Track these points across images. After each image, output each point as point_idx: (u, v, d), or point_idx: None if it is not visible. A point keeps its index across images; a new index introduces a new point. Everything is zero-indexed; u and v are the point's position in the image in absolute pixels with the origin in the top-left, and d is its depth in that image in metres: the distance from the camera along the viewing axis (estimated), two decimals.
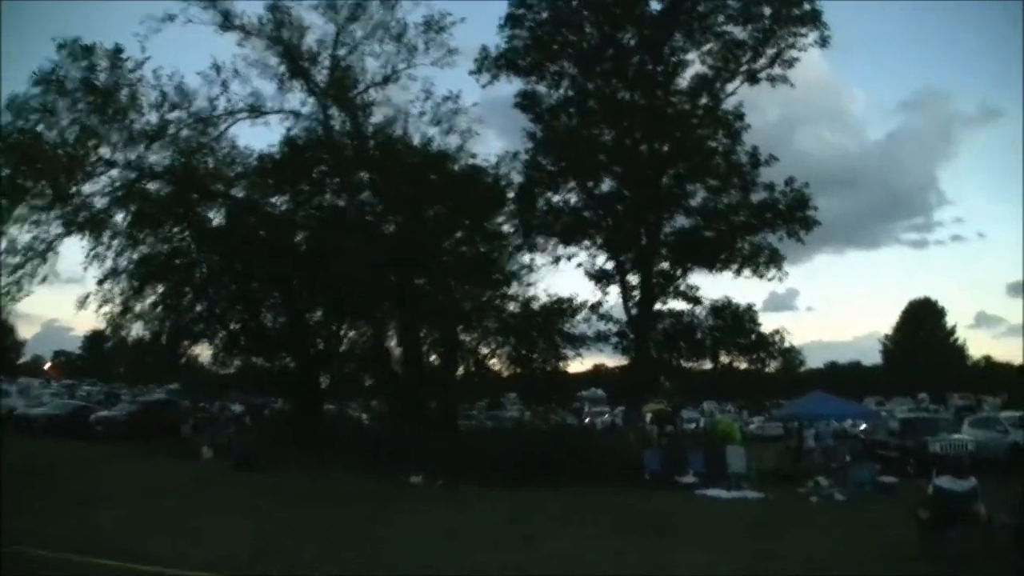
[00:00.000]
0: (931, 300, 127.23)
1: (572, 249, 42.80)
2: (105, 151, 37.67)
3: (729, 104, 41.66)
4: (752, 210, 40.73)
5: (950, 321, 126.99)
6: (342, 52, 41.06)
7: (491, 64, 41.87)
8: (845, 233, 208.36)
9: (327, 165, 42.20)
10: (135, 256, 41.15)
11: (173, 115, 38.81)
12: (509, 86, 43.75)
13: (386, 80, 41.52)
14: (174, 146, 39.63)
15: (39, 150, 35.78)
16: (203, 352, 49.19)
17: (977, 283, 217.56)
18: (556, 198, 43.22)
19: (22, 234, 36.99)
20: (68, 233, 38.05)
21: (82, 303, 40.97)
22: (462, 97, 41.91)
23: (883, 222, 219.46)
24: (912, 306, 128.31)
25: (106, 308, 41.07)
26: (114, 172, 38.44)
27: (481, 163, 42.62)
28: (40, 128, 36.52)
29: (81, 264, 40.43)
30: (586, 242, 42.71)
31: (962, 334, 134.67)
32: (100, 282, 40.67)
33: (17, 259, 36.91)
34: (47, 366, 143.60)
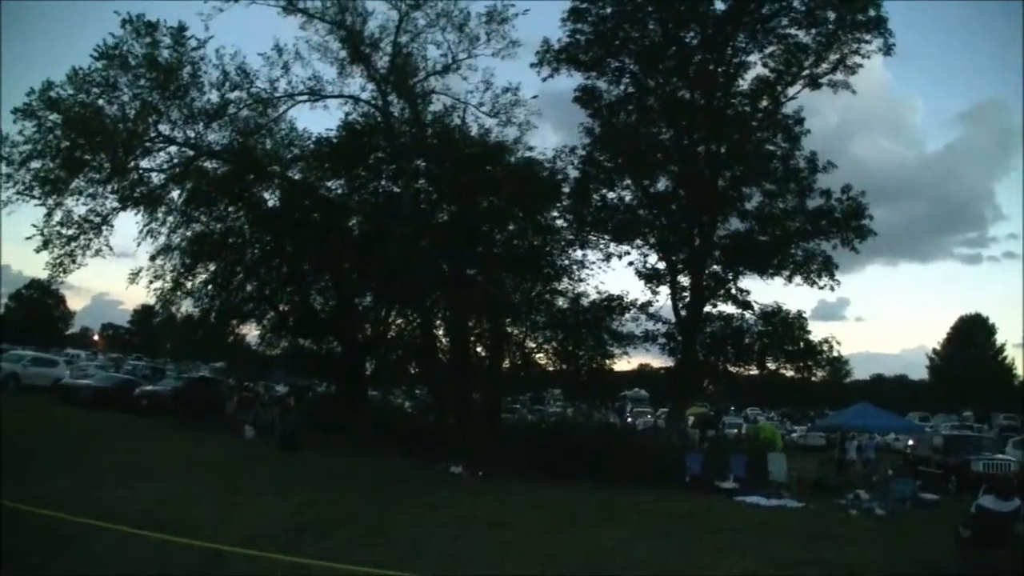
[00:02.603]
0: (981, 316, 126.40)
1: (624, 247, 43.82)
2: (164, 128, 39.01)
3: (789, 108, 42.56)
4: (808, 216, 41.58)
5: (1000, 339, 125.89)
6: (404, 39, 42.16)
7: (552, 58, 42.95)
8: (899, 244, 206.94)
9: (384, 151, 43.48)
10: (188, 233, 42.91)
11: (233, 95, 40.23)
12: (569, 80, 44.67)
13: (446, 69, 42.60)
14: (233, 126, 41.16)
15: (99, 124, 37.06)
16: (251, 332, 50.79)
17: None
18: (611, 195, 44.43)
19: (78, 206, 38.37)
20: (123, 207, 39.54)
21: (134, 278, 42.73)
22: (521, 89, 42.80)
23: (937, 235, 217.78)
24: (962, 321, 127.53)
25: (157, 284, 42.90)
26: (172, 149, 39.98)
27: (538, 156, 43.39)
28: (101, 102, 37.87)
29: (134, 239, 42.11)
30: (638, 241, 43.74)
31: (1011, 353, 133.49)
32: (152, 258, 42.52)
33: (72, 231, 38.35)
34: (95, 338, 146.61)
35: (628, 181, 43.85)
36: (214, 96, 39.87)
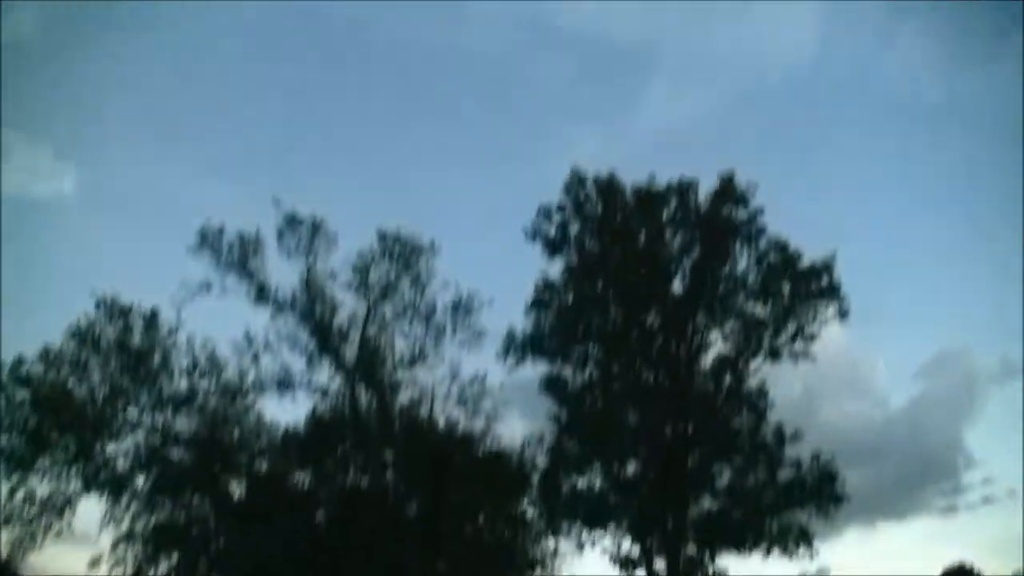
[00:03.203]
0: (966, 567, 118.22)
1: (597, 534, 42.55)
2: (133, 412, 40.26)
3: (753, 382, 42.77)
4: (779, 489, 40.89)
5: None
6: (372, 331, 43.90)
7: (517, 348, 44.09)
8: (874, 504, 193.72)
9: (352, 443, 43.81)
10: (152, 522, 42.38)
11: (203, 383, 41.76)
12: (535, 368, 45.46)
13: (414, 360, 43.85)
14: (201, 414, 42.08)
15: (68, 404, 38.43)
16: None
17: (1012, 542, 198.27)
18: (581, 482, 43.64)
19: (41, 486, 38.94)
20: (87, 491, 39.80)
21: (94, 563, 41.89)
22: (488, 378, 43.70)
23: (911, 490, 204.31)
24: (947, 574, 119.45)
25: (118, 571, 41.88)
26: (139, 434, 40.74)
27: (506, 445, 43.63)
28: (71, 382, 39.41)
29: (96, 523, 41.86)
30: (611, 526, 42.69)
31: None
32: (114, 545, 41.90)
33: (34, 511, 38.66)
34: None
35: (597, 466, 43.46)
36: (183, 383, 41.57)
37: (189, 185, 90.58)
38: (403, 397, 44.78)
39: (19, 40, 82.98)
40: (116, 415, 39.76)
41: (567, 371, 44.43)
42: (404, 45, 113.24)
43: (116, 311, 40.26)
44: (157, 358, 40.76)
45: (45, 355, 39.32)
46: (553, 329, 44.15)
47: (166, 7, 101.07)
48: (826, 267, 42.40)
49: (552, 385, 44.21)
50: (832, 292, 42.13)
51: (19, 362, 39.00)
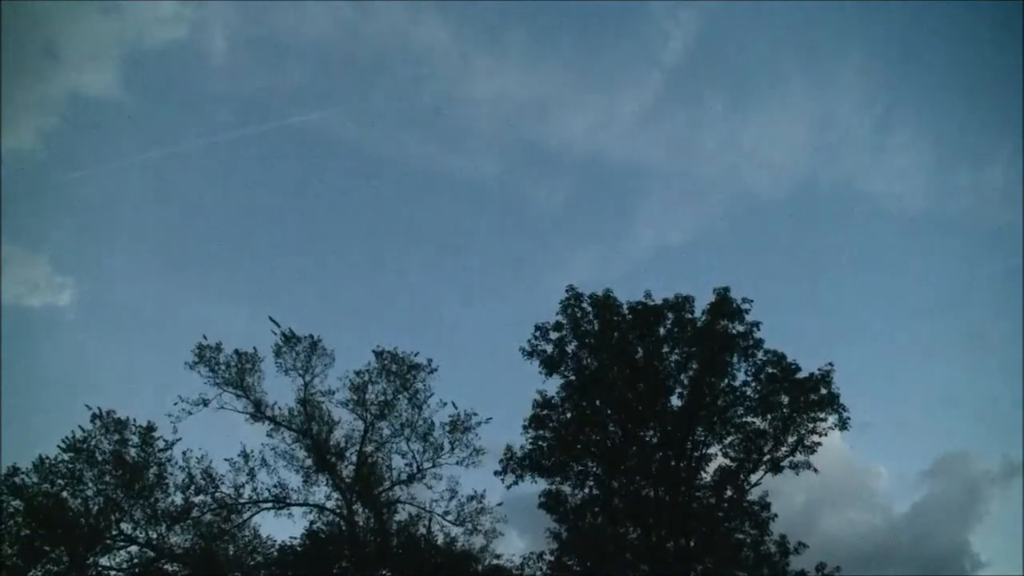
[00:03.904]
0: None
1: None
2: (127, 526, 39.93)
3: (754, 494, 43.08)
4: None
5: None
6: (369, 448, 44.30)
7: (516, 465, 44.30)
8: None
9: (348, 561, 43.26)
10: None
11: (198, 499, 41.63)
12: (534, 485, 45.43)
13: (411, 478, 44.16)
14: (196, 530, 41.68)
15: (62, 516, 38.26)
16: None
17: None
18: None
19: None
20: None
21: None
22: (487, 496, 43.92)
23: None
24: None
25: None
26: (133, 549, 40.27)
27: (505, 563, 43.26)
28: (65, 494, 39.33)
29: None
30: None
31: None
32: None
33: None
34: None
35: None
36: (179, 498, 41.30)
37: (187, 301, 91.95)
38: (401, 515, 44.88)
39: (19, 152, 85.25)
40: (110, 528, 39.35)
41: (566, 488, 44.53)
42: (402, 169, 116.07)
43: (112, 424, 40.41)
44: (152, 472, 40.62)
45: (40, 466, 39.19)
46: (552, 446, 44.36)
47: (165, 124, 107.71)
48: (824, 378, 42.99)
49: (551, 502, 44.15)
50: (831, 402, 42.61)
51: (13, 472, 38.98)
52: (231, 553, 43.74)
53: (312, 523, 44.16)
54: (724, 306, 44.29)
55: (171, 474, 41.19)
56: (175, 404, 41.84)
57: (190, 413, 41.87)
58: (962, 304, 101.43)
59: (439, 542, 43.53)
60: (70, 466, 39.50)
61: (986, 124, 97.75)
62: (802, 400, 42.75)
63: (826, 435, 43.07)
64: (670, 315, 44.90)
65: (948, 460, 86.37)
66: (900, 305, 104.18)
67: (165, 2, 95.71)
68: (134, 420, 41.10)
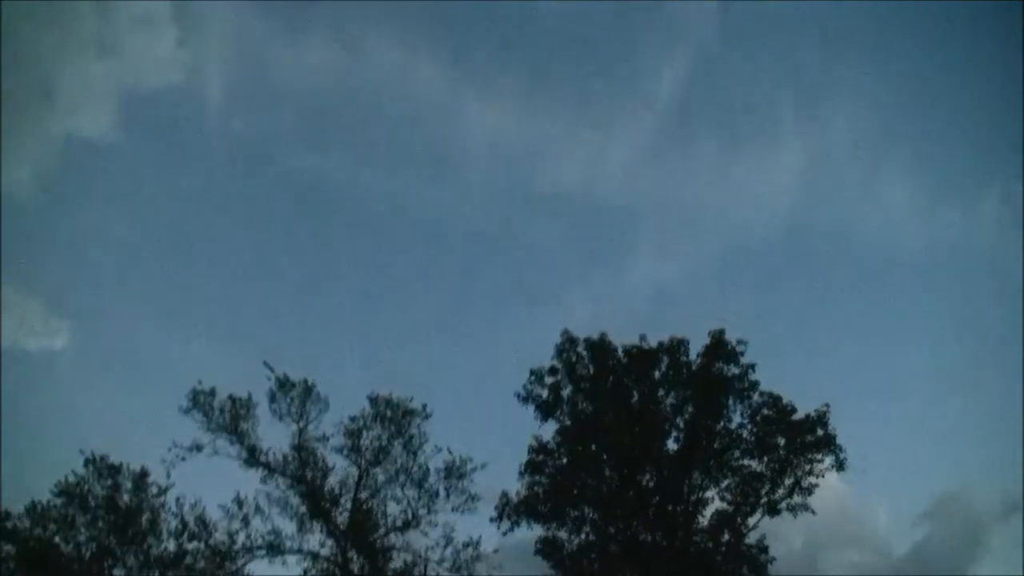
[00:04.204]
0: None
1: None
2: (119, 573, 39.81)
3: (752, 538, 42.76)
4: None
5: None
6: (364, 495, 43.93)
7: (512, 511, 43.99)
8: None
9: None
10: None
11: (191, 545, 41.43)
12: (530, 531, 45.19)
13: (406, 525, 43.78)
14: None
15: (54, 561, 38.15)
16: None
17: None
18: None
19: None
20: None
21: None
22: (483, 543, 43.49)
23: None
24: None
25: None
26: None
27: None
28: (57, 539, 39.20)
29: None
30: None
31: None
32: None
33: None
34: None
35: None
36: (172, 545, 41.23)
37: (182, 344, 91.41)
38: (396, 562, 44.39)
39: (15, 195, 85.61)
40: (103, 574, 39.34)
41: (563, 533, 44.12)
42: (395, 212, 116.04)
43: (105, 469, 40.51)
44: (146, 518, 40.66)
45: (32, 510, 39.28)
46: (548, 491, 44.10)
47: (161, 167, 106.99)
48: (820, 419, 42.95)
49: (548, 548, 43.79)
50: (827, 444, 42.47)
51: (5, 516, 38.90)
52: None
53: (306, 571, 43.82)
54: (719, 348, 44.32)
55: (164, 520, 41.34)
56: (169, 449, 41.83)
57: (184, 458, 41.82)
58: (958, 340, 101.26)
59: None
60: (63, 511, 39.60)
61: (977, 160, 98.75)
62: (799, 442, 42.71)
63: (823, 476, 42.84)
64: (665, 358, 44.89)
65: (947, 499, 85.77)
66: (895, 342, 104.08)
67: (161, 45, 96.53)
68: (127, 465, 41.24)
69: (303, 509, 43.29)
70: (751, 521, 42.96)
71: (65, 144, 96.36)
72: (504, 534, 44.35)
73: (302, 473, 43.37)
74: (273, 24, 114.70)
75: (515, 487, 44.95)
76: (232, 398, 43.39)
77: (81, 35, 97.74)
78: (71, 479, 40.03)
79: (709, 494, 43.64)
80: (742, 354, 44.37)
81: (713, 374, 44.15)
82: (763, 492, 42.83)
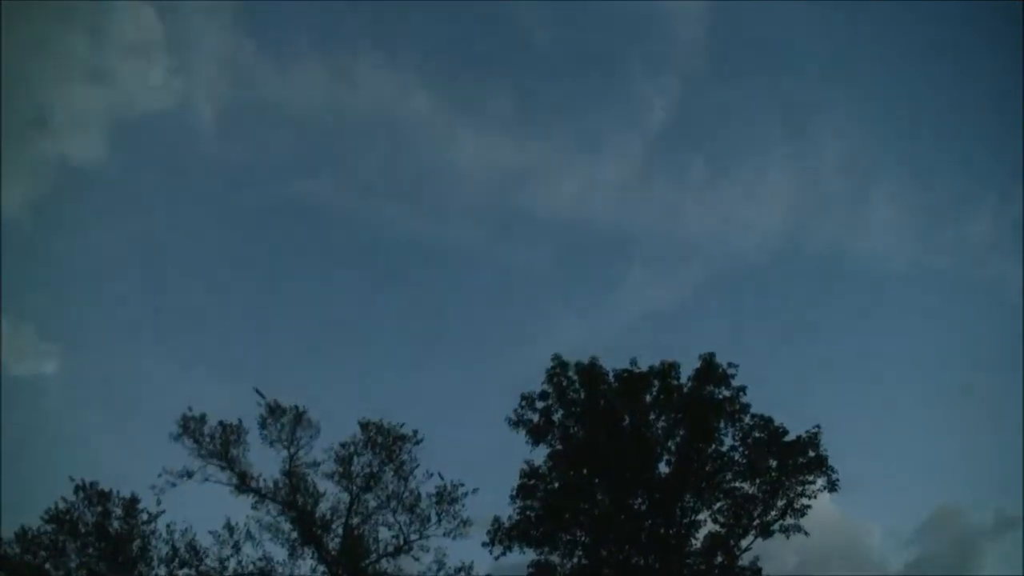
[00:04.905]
0: None
1: None
2: None
3: (745, 559, 42.91)
4: None
5: None
6: (355, 521, 44.23)
7: (504, 536, 44.07)
8: None
9: None
10: None
11: (182, 572, 41.56)
12: (523, 556, 45.27)
13: (398, 551, 44.10)
14: None
15: None
16: None
17: None
18: None
19: None
20: None
21: None
22: (475, 567, 44.12)
23: None
24: None
25: None
26: None
27: None
28: (47, 566, 39.16)
29: None
30: None
31: None
32: None
33: None
34: None
35: None
36: (162, 571, 41.42)
37: (172, 370, 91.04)
38: None
39: (7, 219, 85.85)
40: None
41: (555, 558, 44.25)
42: (387, 237, 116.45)
43: (95, 495, 40.55)
44: (136, 545, 40.77)
45: (22, 536, 39.28)
46: (540, 516, 44.18)
47: (152, 193, 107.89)
48: (811, 440, 43.20)
49: (540, 572, 43.95)
50: (819, 465, 42.68)
51: None
52: None
53: None
54: (710, 372, 44.57)
55: (155, 547, 41.44)
56: (159, 476, 42.02)
57: (174, 485, 42.01)
58: (950, 359, 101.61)
59: None
60: (52, 537, 39.54)
61: (968, 180, 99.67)
62: (790, 463, 42.90)
63: (815, 497, 43.03)
64: (656, 382, 45.11)
65: (941, 517, 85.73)
66: (888, 362, 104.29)
67: (154, 72, 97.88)
68: (118, 492, 41.28)
69: (294, 535, 43.57)
70: (744, 543, 43.17)
71: (58, 169, 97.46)
72: (496, 559, 44.47)
73: (293, 499, 43.51)
74: (264, 51, 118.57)
75: (507, 512, 45.02)
76: (223, 424, 43.74)
77: (74, 62, 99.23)
78: (61, 506, 40.09)
79: (701, 517, 43.82)
80: (733, 377, 44.63)
81: (704, 397, 44.36)
82: (755, 514, 43.03)
